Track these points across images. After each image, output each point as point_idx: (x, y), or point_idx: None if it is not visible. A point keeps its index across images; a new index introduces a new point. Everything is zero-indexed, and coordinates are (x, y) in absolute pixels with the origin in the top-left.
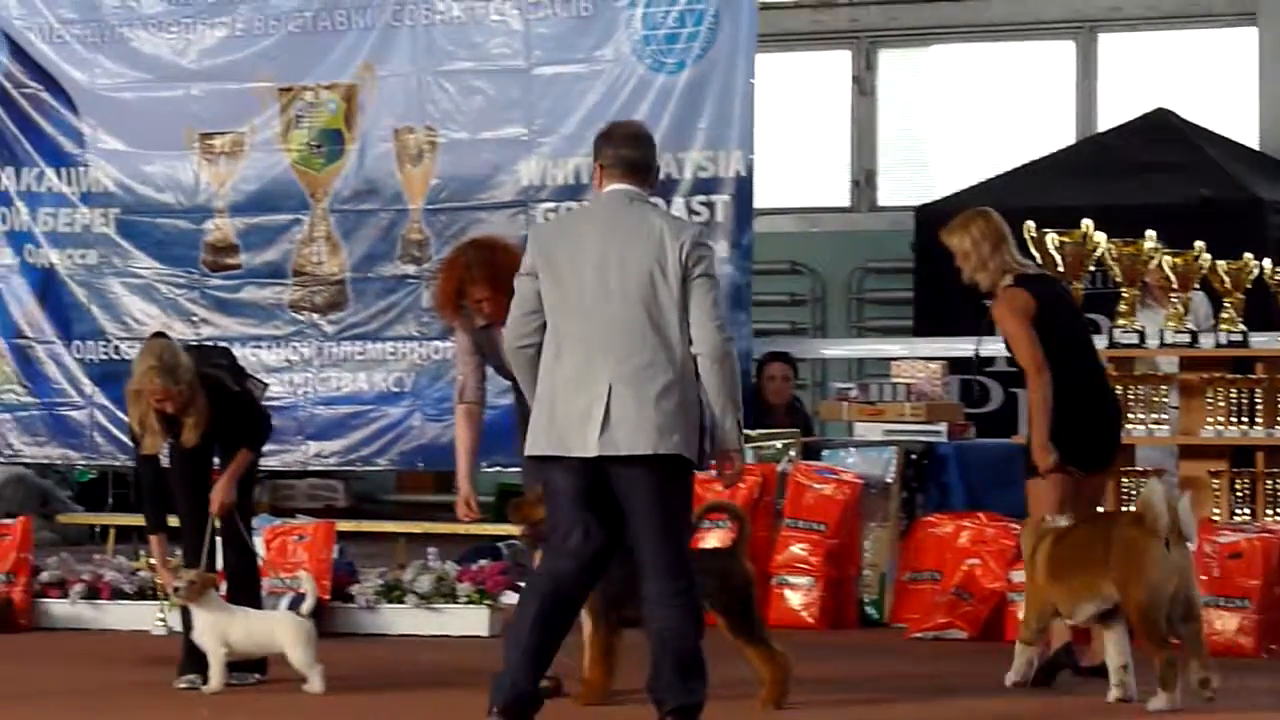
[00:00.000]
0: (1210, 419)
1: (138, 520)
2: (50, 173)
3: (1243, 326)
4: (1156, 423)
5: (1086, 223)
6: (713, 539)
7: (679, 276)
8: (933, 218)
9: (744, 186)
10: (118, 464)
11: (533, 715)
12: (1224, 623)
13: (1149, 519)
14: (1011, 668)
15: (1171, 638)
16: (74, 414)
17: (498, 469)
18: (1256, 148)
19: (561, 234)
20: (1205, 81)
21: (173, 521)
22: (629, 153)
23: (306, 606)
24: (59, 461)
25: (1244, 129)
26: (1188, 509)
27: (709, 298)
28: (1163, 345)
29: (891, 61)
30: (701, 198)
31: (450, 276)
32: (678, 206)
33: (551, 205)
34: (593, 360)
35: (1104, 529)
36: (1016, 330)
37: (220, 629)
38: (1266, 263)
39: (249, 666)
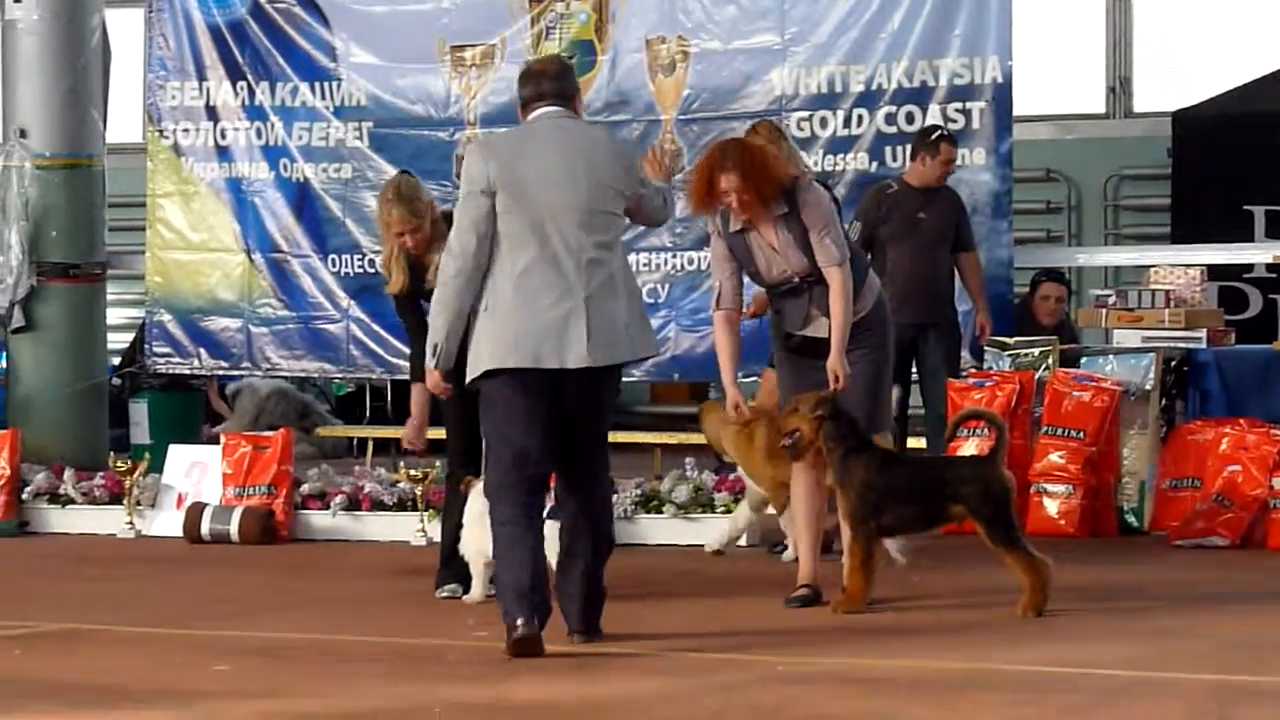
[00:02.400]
0: None
1: (395, 433)
2: (304, 87)
3: None
4: None
5: None
6: (971, 447)
7: (631, 191)
8: (1190, 123)
9: (1002, 93)
10: (374, 377)
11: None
12: None
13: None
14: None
15: None
16: (330, 327)
17: (754, 378)
18: None
19: (516, 155)
20: None
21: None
22: (551, 85)
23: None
24: (316, 375)
25: None
26: None
27: (651, 186)
28: None
29: None
30: (957, 105)
31: (703, 169)
32: (933, 114)
33: (805, 114)
34: (565, 274)
35: None
36: None
37: (483, 541)
38: None
39: None
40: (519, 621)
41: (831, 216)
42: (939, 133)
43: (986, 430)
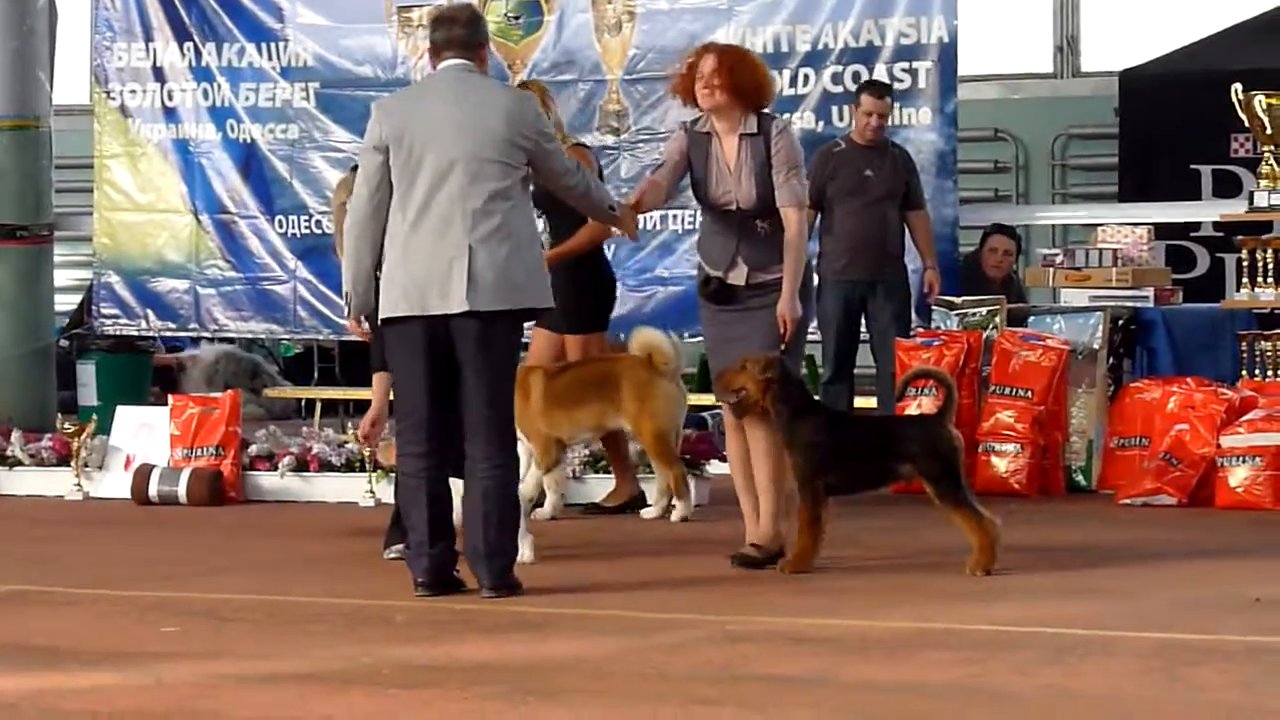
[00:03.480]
0: None
1: (343, 394)
2: (250, 48)
3: None
4: None
5: None
6: (919, 406)
7: (529, 143)
8: (1137, 82)
9: (947, 53)
10: (322, 338)
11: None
12: None
13: (658, 360)
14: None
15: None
16: (278, 288)
17: (700, 339)
18: None
19: (410, 110)
20: None
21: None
22: (461, 32)
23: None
24: (264, 336)
25: None
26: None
27: (556, 151)
28: None
29: None
30: (904, 64)
31: (693, 54)
32: (879, 73)
33: None
34: (451, 223)
35: (610, 368)
36: None
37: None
38: None
39: None
40: (417, 580)
41: (801, 161)
42: (862, 83)
43: (935, 389)
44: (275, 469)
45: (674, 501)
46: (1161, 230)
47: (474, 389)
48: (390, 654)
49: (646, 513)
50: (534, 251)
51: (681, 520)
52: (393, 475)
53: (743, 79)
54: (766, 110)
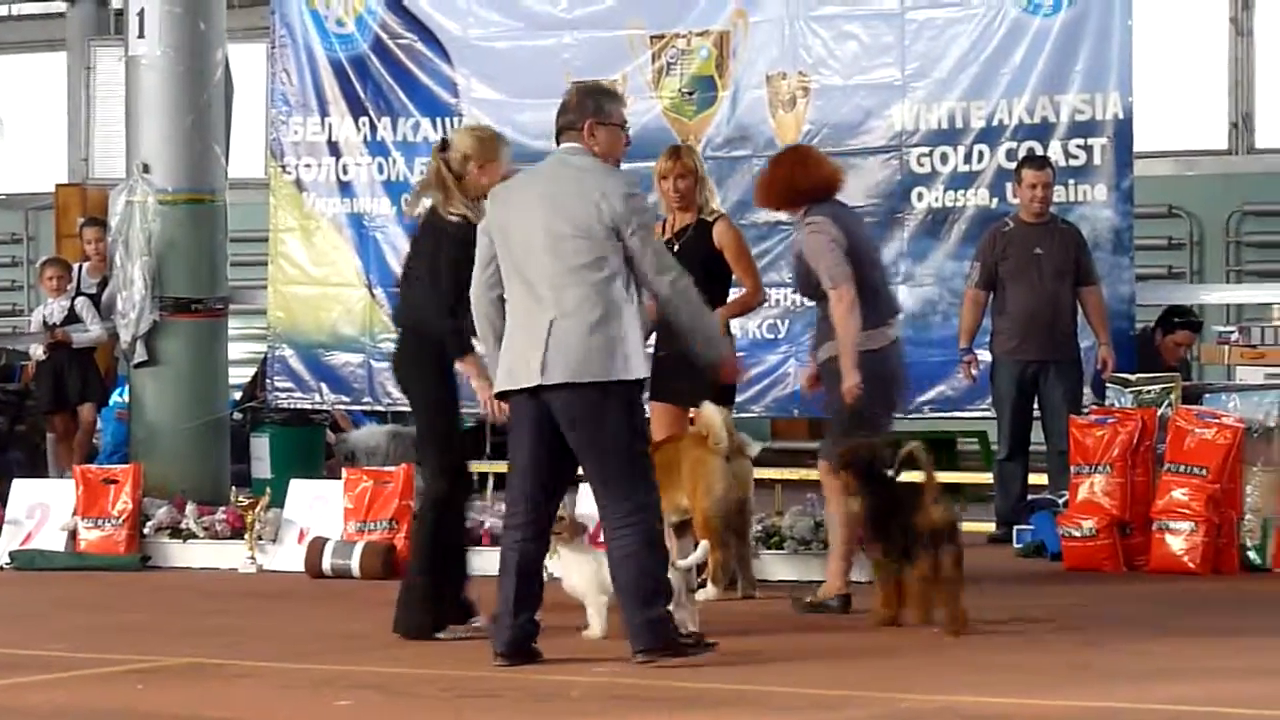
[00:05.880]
0: None
1: None
2: (425, 123)
3: None
4: None
5: None
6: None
7: (611, 221)
8: None
9: (1123, 129)
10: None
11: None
12: None
13: (710, 438)
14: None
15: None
16: None
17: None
18: None
19: (511, 196)
20: None
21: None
22: (570, 116)
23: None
24: None
25: None
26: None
27: (649, 249)
28: None
29: (1269, 1)
30: (1079, 141)
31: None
32: (1054, 149)
33: (925, 149)
34: (539, 300)
35: (673, 447)
36: None
37: (602, 575)
38: None
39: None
40: (495, 651)
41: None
42: (1020, 159)
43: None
44: None
45: (710, 583)
46: None
47: (583, 463)
48: None
49: (702, 594)
50: (619, 324)
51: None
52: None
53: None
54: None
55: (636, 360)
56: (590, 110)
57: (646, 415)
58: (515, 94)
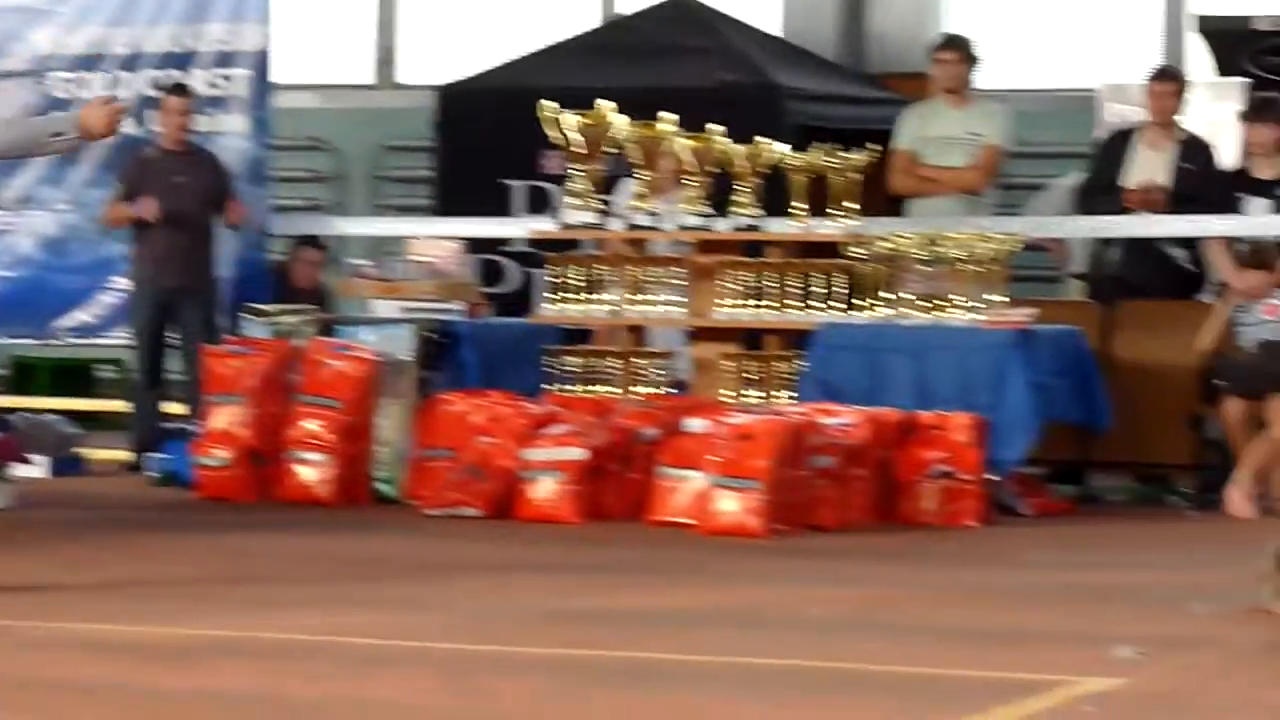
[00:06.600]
0: (723, 301)
1: None
2: None
3: (757, 210)
4: (670, 304)
5: (605, 104)
6: None
7: None
8: (454, 97)
9: (262, 61)
10: None
11: None
12: (732, 503)
13: None
14: None
15: None
16: None
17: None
18: (778, 34)
19: None
20: None
21: None
22: None
23: None
24: None
25: (766, 16)
26: None
27: None
28: (679, 228)
29: None
30: (221, 71)
31: None
32: (197, 79)
33: (67, 75)
34: None
35: None
36: None
37: None
38: (783, 147)
39: None
40: None
41: None
42: (166, 86)
43: None
44: None
45: None
46: (474, 244)
47: None
48: None
49: None
50: None
51: None
52: None
53: None
54: None
55: None
56: None
57: None
58: None
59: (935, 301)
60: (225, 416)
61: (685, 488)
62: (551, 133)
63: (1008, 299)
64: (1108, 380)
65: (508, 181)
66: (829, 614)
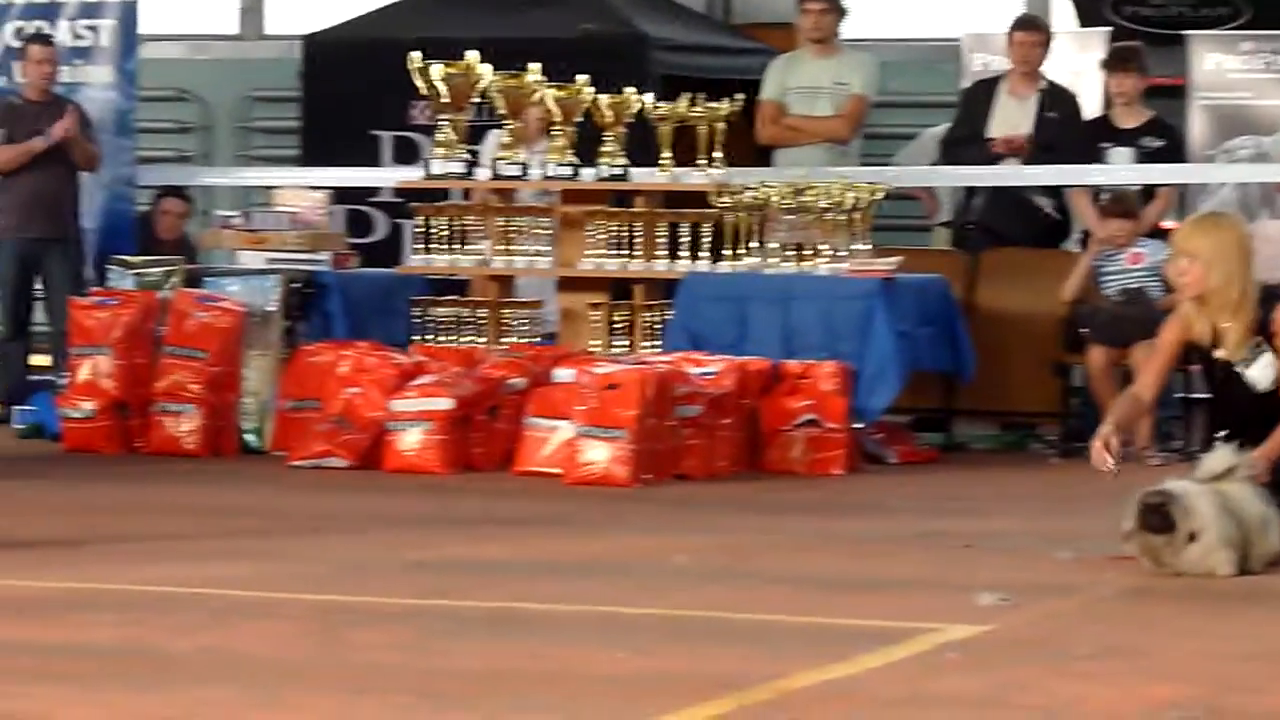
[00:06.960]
0: (590, 252)
1: None
2: None
3: (624, 160)
4: (537, 255)
5: (472, 55)
6: None
7: None
8: (321, 47)
9: (128, 12)
10: None
11: None
12: (599, 453)
13: None
14: None
15: None
16: None
17: None
18: None
19: None
20: None
21: None
22: None
23: None
24: None
25: None
26: None
27: None
28: (546, 178)
29: None
30: (86, 21)
31: None
32: (62, 30)
33: None
34: None
35: None
36: None
37: None
38: (648, 98)
39: None
40: None
41: None
42: (29, 35)
43: None
44: None
45: None
46: (341, 195)
47: None
48: None
49: None
50: None
51: None
52: None
53: None
54: None
55: None
56: None
57: None
58: None
59: (801, 251)
60: (91, 368)
61: (553, 438)
62: (419, 83)
63: (872, 248)
64: (973, 329)
65: (376, 132)
66: (695, 563)
